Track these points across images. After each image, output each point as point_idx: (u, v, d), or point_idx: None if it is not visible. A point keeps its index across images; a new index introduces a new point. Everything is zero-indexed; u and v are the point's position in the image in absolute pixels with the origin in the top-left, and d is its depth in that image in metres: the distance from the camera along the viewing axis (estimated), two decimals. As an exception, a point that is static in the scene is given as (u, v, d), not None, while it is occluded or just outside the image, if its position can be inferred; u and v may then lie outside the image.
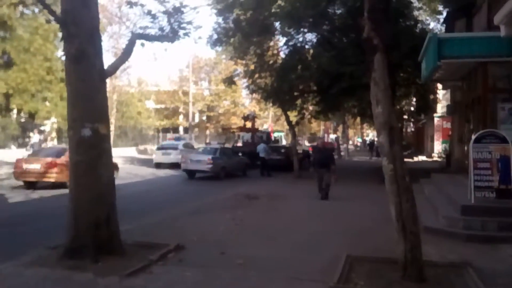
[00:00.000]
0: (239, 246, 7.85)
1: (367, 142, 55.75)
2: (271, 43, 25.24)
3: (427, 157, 38.71)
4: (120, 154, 30.92)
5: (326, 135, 68.70)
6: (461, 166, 14.96)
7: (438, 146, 37.77)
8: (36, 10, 32.35)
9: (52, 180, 15.82)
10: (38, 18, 31.70)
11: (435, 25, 28.48)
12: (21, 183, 16.44)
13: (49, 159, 16.10)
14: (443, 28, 23.49)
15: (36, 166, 15.86)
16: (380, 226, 9.05)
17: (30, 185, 16.07)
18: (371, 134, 76.26)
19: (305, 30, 22.45)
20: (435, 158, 35.31)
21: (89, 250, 6.48)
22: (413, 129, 54.95)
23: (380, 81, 6.02)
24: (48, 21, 12.62)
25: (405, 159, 6.28)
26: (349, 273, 6.12)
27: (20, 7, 32.42)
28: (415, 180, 13.54)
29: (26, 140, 32.40)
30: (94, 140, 6.76)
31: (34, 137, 29.01)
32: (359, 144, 74.90)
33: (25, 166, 16.01)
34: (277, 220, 10.57)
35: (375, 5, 6.19)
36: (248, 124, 33.89)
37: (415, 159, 37.04)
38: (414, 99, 32.93)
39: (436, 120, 38.25)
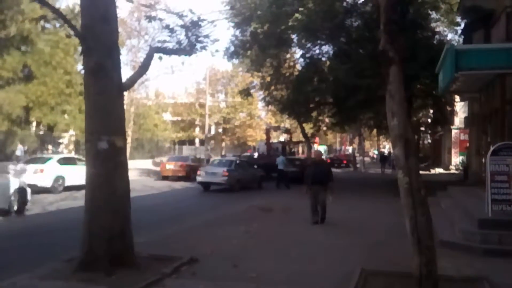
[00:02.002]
0: (252, 259, 7.84)
1: (378, 155, 52.78)
2: (288, 56, 25.41)
3: (444, 169, 38.31)
4: (136, 166, 31.15)
5: (343, 147, 68.53)
6: (479, 179, 14.77)
7: (456, 159, 37.37)
8: (57, 24, 32.95)
9: (180, 174, 26.62)
10: (59, 32, 32.27)
11: (453, 36, 28.35)
12: (39, 196, 16.74)
13: (179, 162, 27.59)
14: (461, 40, 23.37)
15: (171, 166, 27.35)
16: (395, 239, 8.97)
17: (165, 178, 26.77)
18: (387, 146, 75.65)
19: (322, 42, 22.55)
20: (453, 171, 34.92)
21: (103, 262, 6.51)
22: (430, 141, 54.43)
23: (396, 93, 6.01)
24: (68, 36, 12.81)
25: (422, 172, 6.25)
26: (364, 287, 6.07)
27: (42, 22, 33.06)
28: (431, 193, 13.42)
29: (45, 152, 32.81)
30: (111, 153, 6.83)
31: (18, 149, 29.19)
32: (375, 156, 74.37)
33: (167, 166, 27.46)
34: (291, 233, 10.54)
35: (391, 17, 6.20)
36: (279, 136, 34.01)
37: (432, 171, 36.68)
38: (431, 111, 32.69)
39: (453, 132, 37.90)
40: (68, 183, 19.44)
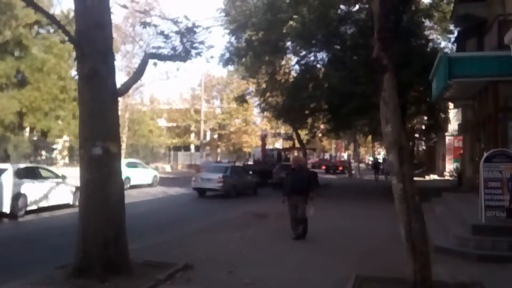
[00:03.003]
0: (247, 265, 7.83)
1: (371, 162, 50.86)
2: (283, 62, 25.48)
3: (438, 175, 38.42)
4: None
5: (338, 153, 68.65)
6: (473, 185, 14.83)
7: (450, 165, 37.49)
8: (52, 30, 32.93)
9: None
10: (53, 38, 32.25)
11: (446, 44, 28.60)
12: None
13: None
14: (454, 47, 23.53)
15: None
16: (389, 245, 8.98)
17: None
18: (382, 153, 75.76)
19: (317, 49, 22.65)
20: (447, 177, 35.03)
21: (97, 269, 6.48)
22: (424, 148, 54.62)
23: (390, 100, 6.05)
24: (62, 41, 12.88)
25: (417, 178, 6.28)
26: (358, 293, 6.08)
27: (36, 27, 33.03)
28: (426, 199, 13.43)
29: (38, 158, 32.67)
30: (105, 159, 6.81)
31: None
32: (370, 162, 74.47)
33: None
34: (286, 239, 10.53)
35: (385, 25, 6.25)
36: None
37: (427, 177, 36.77)
38: (425, 118, 32.85)
39: (447, 138, 38.06)
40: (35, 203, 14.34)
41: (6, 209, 13.25)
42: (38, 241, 10.15)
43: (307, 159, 30.67)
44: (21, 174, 14.20)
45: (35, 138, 34.37)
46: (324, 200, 16.37)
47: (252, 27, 20.36)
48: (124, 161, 21.44)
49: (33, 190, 14.22)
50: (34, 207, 14.27)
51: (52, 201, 15.06)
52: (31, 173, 14.96)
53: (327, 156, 79.19)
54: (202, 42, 9.29)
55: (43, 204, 14.69)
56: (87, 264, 6.57)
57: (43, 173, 15.84)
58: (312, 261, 8.28)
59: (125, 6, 16.68)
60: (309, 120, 25.05)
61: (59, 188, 15.42)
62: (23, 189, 13.83)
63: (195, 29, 9.16)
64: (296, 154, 40.62)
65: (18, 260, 8.19)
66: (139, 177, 25.70)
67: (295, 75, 24.76)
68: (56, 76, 32.29)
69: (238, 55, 22.81)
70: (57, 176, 15.95)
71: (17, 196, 13.54)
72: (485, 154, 9.58)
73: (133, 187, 24.11)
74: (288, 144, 40.24)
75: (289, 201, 10.48)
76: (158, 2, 36.60)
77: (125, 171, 19.25)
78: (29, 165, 18.54)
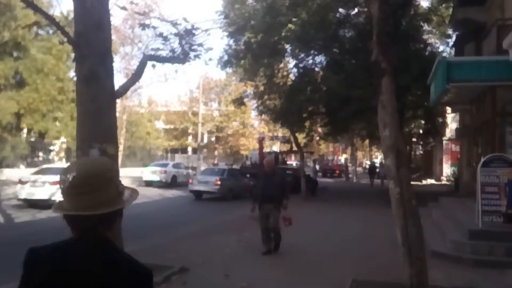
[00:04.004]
0: (244, 268, 7.82)
1: (368, 166, 49.39)
2: (281, 65, 25.48)
3: (436, 180, 38.47)
4: (128, 174, 31.02)
5: (336, 157, 68.65)
6: (470, 190, 14.83)
7: (447, 170, 37.55)
8: (51, 31, 32.90)
9: None
10: (52, 39, 32.23)
11: (445, 48, 28.64)
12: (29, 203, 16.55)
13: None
14: (453, 52, 23.59)
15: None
16: (386, 249, 8.98)
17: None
18: (380, 157, 75.74)
19: (315, 52, 22.68)
20: (444, 182, 35.08)
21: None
22: (422, 152, 54.65)
23: (388, 104, 6.04)
24: (61, 42, 12.81)
25: (414, 182, 6.28)
26: (355, 297, 6.07)
27: (35, 28, 32.99)
28: (423, 203, 13.46)
29: (35, 159, 32.62)
30: (102, 160, 6.79)
31: None
32: (367, 166, 74.36)
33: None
34: (283, 242, 10.51)
35: (384, 29, 6.25)
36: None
37: (424, 182, 36.81)
38: (423, 122, 32.91)
39: (445, 143, 38.11)
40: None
41: None
42: (35, 242, 10.06)
43: (316, 164, 31.24)
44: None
45: (32, 139, 34.31)
46: (320, 203, 16.34)
47: (251, 30, 20.36)
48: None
49: None
50: None
51: None
52: None
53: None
54: (200, 45, 9.29)
55: None
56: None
57: None
58: (309, 265, 8.27)
59: (124, 8, 16.57)
60: (307, 124, 25.04)
61: None
62: None
63: (194, 31, 9.16)
64: (295, 156, 40.46)
65: (15, 262, 8.14)
66: None
67: (293, 78, 24.78)
68: (55, 77, 32.27)
69: (237, 57, 22.81)
70: None
71: None
72: (483, 159, 9.60)
73: None
74: (285, 147, 40.28)
75: (260, 210, 9.23)
76: (158, 4, 36.50)
77: None
78: None
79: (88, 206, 1.57)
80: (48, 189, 15.48)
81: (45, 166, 19.87)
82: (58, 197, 15.42)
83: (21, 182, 16.57)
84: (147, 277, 1.62)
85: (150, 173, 29.40)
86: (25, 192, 16.16)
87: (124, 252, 1.69)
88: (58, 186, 13.24)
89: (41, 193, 15.52)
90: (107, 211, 1.60)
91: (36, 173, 17.31)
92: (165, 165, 30.58)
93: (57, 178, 16.07)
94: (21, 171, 28.39)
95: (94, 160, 1.80)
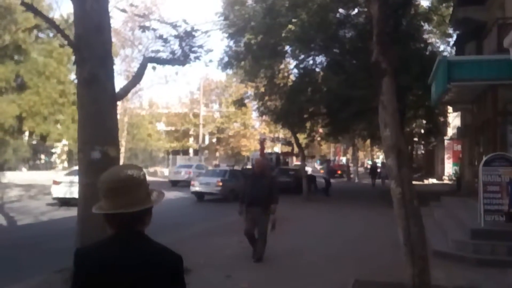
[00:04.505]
0: (245, 269, 7.82)
1: (369, 166, 48.45)
2: (282, 66, 25.46)
3: (437, 179, 38.41)
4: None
5: (337, 157, 68.62)
6: (472, 189, 14.82)
7: (449, 169, 37.49)
8: (51, 34, 32.92)
9: None
10: (53, 42, 32.26)
11: (445, 47, 28.61)
12: (31, 206, 16.62)
13: None
14: (453, 51, 23.57)
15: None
16: (388, 249, 8.97)
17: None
18: (381, 157, 75.60)
19: (316, 53, 22.67)
20: (446, 181, 35.02)
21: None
22: (423, 152, 54.59)
23: (388, 104, 6.04)
24: (61, 45, 12.82)
25: (415, 182, 6.27)
26: (357, 297, 6.06)
27: (35, 31, 33.02)
28: (425, 203, 13.45)
29: (37, 162, 32.66)
30: (104, 163, 6.79)
31: None
32: (369, 166, 74.19)
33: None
34: (284, 243, 10.52)
35: (384, 29, 6.25)
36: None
37: (426, 181, 36.75)
38: (424, 122, 32.87)
39: (446, 142, 38.05)
40: None
41: None
42: (37, 244, 10.13)
43: (328, 162, 31.55)
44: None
45: (34, 142, 34.35)
46: (322, 204, 16.31)
47: (251, 31, 20.35)
48: None
49: None
50: None
51: None
52: None
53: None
54: (201, 46, 9.31)
55: None
56: (85, 268, 6.53)
57: None
58: (312, 265, 8.27)
59: (124, 10, 16.63)
60: (308, 124, 25.02)
61: None
62: None
63: (194, 33, 9.19)
64: (296, 158, 40.45)
65: (16, 264, 8.17)
66: None
67: (294, 79, 24.77)
68: (56, 80, 32.34)
69: (237, 59, 22.81)
70: None
71: None
72: (484, 158, 9.58)
73: None
74: (287, 148, 40.35)
75: (247, 214, 8.58)
76: (157, 7, 36.52)
77: None
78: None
79: (123, 205, 1.89)
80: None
81: (75, 168, 21.28)
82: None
83: (55, 182, 17.98)
84: (178, 261, 2.00)
85: (175, 174, 32.20)
86: (60, 192, 17.55)
87: (155, 242, 1.99)
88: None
89: (75, 192, 16.46)
90: (138, 209, 1.91)
91: (68, 174, 18.55)
92: (189, 167, 32.95)
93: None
94: (23, 174, 28.49)
95: (127, 166, 2.06)
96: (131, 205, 1.89)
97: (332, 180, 39.58)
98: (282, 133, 53.10)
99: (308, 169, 26.24)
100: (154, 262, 1.89)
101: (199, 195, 21.84)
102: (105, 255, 1.90)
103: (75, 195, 15.87)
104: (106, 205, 1.93)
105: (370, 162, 77.61)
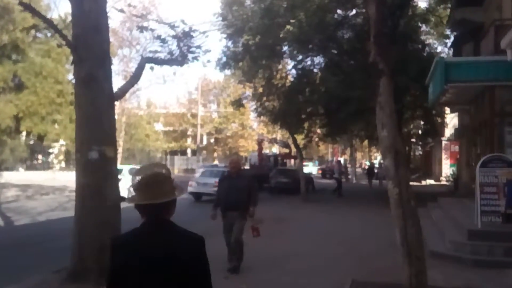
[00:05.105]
0: (243, 270, 7.81)
1: (366, 167, 47.80)
2: (280, 67, 25.47)
3: (435, 180, 38.45)
4: (127, 176, 30.96)
5: (335, 158, 68.63)
6: (469, 190, 14.84)
7: (446, 170, 37.53)
8: (49, 34, 32.91)
9: None
10: (51, 42, 32.25)
11: (443, 48, 28.64)
12: (28, 206, 16.57)
13: None
14: (451, 52, 23.60)
15: None
16: (386, 250, 8.98)
17: None
18: (379, 158, 75.59)
19: (314, 53, 22.67)
20: (443, 182, 35.06)
21: (92, 274, 6.44)
22: (421, 152, 54.65)
23: (386, 105, 6.05)
24: (59, 45, 12.83)
25: (413, 183, 6.28)
26: (355, 298, 6.07)
27: (33, 31, 33.01)
28: (422, 204, 13.48)
29: (34, 162, 32.61)
30: (101, 163, 6.80)
31: None
32: (367, 167, 74.18)
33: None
34: (282, 244, 10.53)
35: (381, 30, 6.27)
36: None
37: (423, 182, 36.78)
38: (422, 122, 32.93)
39: (444, 143, 38.10)
40: None
41: (124, 195, 17.91)
42: (34, 245, 10.11)
43: (339, 163, 31.60)
44: (132, 172, 19.81)
45: (31, 142, 34.31)
46: (319, 204, 16.31)
47: (249, 32, 20.33)
48: (127, 167, 22.53)
49: None
50: None
51: None
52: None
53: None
54: (199, 47, 9.32)
55: None
56: (82, 268, 6.55)
57: None
58: (310, 266, 8.27)
59: (122, 11, 16.66)
60: (306, 125, 25.04)
61: None
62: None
63: (192, 33, 9.20)
64: (289, 157, 40.41)
65: (14, 264, 8.16)
66: None
67: (292, 79, 24.76)
68: (53, 80, 32.30)
69: (235, 59, 22.79)
70: None
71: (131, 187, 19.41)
72: (481, 159, 9.60)
73: None
74: (284, 150, 40.36)
75: (224, 218, 7.82)
76: (155, 7, 36.69)
77: (129, 179, 20.60)
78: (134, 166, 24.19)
79: (153, 197, 2.22)
80: None
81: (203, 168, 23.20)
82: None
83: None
84: (201, 242, 2.32)
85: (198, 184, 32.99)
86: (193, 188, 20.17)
87: (180, 227, 2.37)
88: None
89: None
90: (165, 201, 2.28)
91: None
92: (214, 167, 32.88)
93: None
94: (20, 174, 28.44)
95: (156, 164, 2.43)
96: (159, 197, 2.23)
97: (330, 181, 39.62)
98: (280, 133, 53.13)
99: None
100: (177, 242, 2.24)
101: (197, 196, 21.81)
102: (137, 238, 2.25)
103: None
104: (138, 197, 2.25)
105: (368, 163, 77.58)
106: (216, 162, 52.87)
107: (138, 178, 2.28)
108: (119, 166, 21.90)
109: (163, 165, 2.45)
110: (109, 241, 2.34)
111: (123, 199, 1.89)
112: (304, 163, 48.26)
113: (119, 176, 20.49)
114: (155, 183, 2.26)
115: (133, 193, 2.30)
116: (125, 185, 19.16)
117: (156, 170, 2.32)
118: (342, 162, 53.27)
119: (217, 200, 8.03)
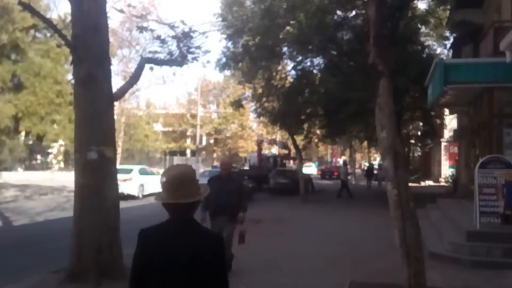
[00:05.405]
0: (242, 271, 7.81)
1: (365, 168, 47.15)
2: (279, 68, 25.47)
3: (434, 181, 38.47)
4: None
5: (334, 159, 68.65)
6: (468, 191, 14.84)
7: (445, 171, 37.55)
8: (48, 34, 32.89)
9: None
10: (50, 42, 32.23)
11: (442, 50, 28.67)
12: (27, 206, 16.55)
13: None
14: (450, 54, 23.61)
15: None
16: (384, 251, 8.99)
17: None
18: (378, 159, 75.59)
19: (313, 54, 22.68)
20: (442, 183, 35.08)
21: (91, 274, 6.44)
22: (420, 154, 54.68)
23: (385, 106, 6.06)
24: (59, 45, 12.85)
25: (412, 184, 6.28)
26: (353, 299, 6.07)
27: (32, 31, 32.99)
28: (421, 205, 13.48)
29: (33, 162, 32.58)
30: (100, 163, 6.80)
31: None
32: (366, 168, 74.14)
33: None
34: (282, 245, 10.52)
35: (381, 31, 6.27)
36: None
37: (422, 183, 36.78)
38: (421, 124, 32.95)
39: (443, 144, 38.13)
40: None
41: (135, 193, 20.88)
42: (33, 245, 10.10)
43: (346, 164, 31.14)
44: (141, 172, 22.65)
45: (30, 142, 34.27)
46: (318, 205, 16.31)
47: (249, 32, 20.33)
48: (136, 167, 23.24)
49: (147, 182, 22.12)
50: (147, 192, 21.73)
51: (155, 189, 18.73)
52: (144, 172, 23.25)
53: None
54: (198, 47, 9.31)
55: (152, 191, 21.26)
56: (81, 268, 6.54)
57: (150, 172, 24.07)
58: (309, 267, 8.27)
59: (121, 11, 16.65)
60: (305, 126, 25.06)
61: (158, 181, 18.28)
62: (143, 181, 21.99)
63: (191, 34, 9.19)
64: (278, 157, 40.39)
65: (13, 264, 8.15)
66: (153, 184, 21.90)
67: (291, 80, 24.77)
68: (53, 80, 32.28)
69: (235, 60, 22.79)
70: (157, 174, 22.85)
71: (141, 186, 21.72)
72: (480, 160, 9.61)
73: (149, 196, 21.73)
74: (284, 152, 40.38)
75: (213, 223, 7.31)
76: (155, 7, 36.60)
77: (139, 179, 21.83)
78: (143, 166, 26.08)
79: (179, 197, 2.37)
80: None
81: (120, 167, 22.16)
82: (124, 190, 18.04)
83: None
84: (220, 241, 2.47)
85: None
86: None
87: (203, 226, 2.53)
88: (127, 182, 19.06)
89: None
90: (191, 201, 2.41)
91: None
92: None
93: (126, 176, 20.00)
94: (19, 174, 28.41)
95: (183, 166, 2.60)
96: (185, 197, 2.38)
97: (329, 182, 39.63)
98: (279, 134, 53.13)
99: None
100: (201, 241, 2.36)
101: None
102: (163, 235, 2.38)
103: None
104: (166, 196, 2.40)
105: (367, 164, 77.45)
106: (216, 163, 52.81)
107: (165, 178, 2.42)
108: (122, 166, 22.13)
109: (189, 166, 2.59)
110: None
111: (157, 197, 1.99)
112: (307, 164, 48.28)
113: (129, 176, 20.86)
114: (182, 184, 2.40)
115: (162, 192, 2.44)
116: (136, 184, 21.07)
117: (183, 171, 2.47)
118: (341, 163, 53.29)
119: (206, 202, 7.18)
